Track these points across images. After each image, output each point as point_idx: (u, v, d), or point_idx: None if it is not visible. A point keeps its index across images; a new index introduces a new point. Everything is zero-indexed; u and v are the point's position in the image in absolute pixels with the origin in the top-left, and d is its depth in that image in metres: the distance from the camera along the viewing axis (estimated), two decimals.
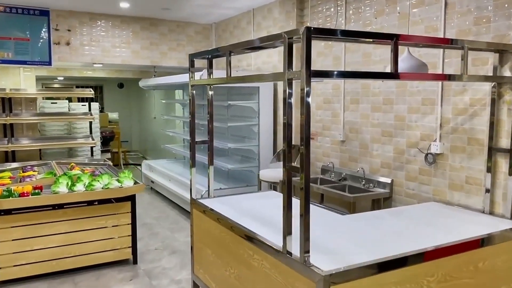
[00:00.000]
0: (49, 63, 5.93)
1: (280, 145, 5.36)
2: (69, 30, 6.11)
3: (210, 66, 3.42)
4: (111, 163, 5.26)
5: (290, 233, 2.16)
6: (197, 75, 5.47)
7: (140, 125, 12.52)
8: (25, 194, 3.56)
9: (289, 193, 2.14)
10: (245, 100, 5.56)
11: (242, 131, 5.74)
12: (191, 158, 3.55)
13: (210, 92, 3.45)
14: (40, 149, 7.23)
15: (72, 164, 4.85)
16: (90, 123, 6.91)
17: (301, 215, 2.01)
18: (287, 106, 2.17)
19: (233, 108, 5.98)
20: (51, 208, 3.69)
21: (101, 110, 11.69)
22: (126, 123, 12.49)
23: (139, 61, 6.69)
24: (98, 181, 3.98)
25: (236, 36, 6.44)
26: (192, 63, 3.39)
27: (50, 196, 3.62)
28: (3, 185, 3.95)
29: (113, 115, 11.35)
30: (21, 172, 4.65)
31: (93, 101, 7.38)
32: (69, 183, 3.86)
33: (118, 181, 4.02)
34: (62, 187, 3.71)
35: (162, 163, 7.49)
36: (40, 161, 5.51)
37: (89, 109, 6.99)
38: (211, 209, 3.13)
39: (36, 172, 4.53)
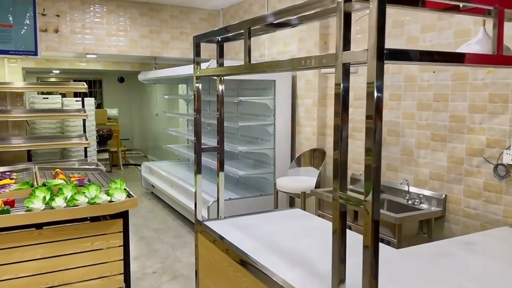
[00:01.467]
0: (35, 53, 5.25)
1: (299, 148, 4.63)
2: (58, 16, 5.41)
3: (221, 52, 2.71)
4: (104, 168, 4.58)
5: (343, 280, 1.47)
6: (203, 66, 4.76)
7: (141, 122, 11.85)
8: None
9: (343, 242, 1.42)
10: (259, 95, 4.85)
11: (255, 132, 5.03)
12: (195, 167, 2.84)
13: (221, 87, 2.74)
14: (29, 150, 6.58)
15: (57, 170, 4.16)
16: (84, 120, 6.23)
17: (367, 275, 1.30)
18: (341, 102, 1.44)
19: (244, 105, 5.27)
20: (23, 228, 2.99)
21: (99, 106, 11.03)
22: (127, 120, 11.82)
23: (137, 51, 5.99)
24: (84, 193, 3.29)
25: None
26: (197, 48, 2.68)
27: (21, 215, 2.93)
28: None
29: (113, 112, 10.68)
30: None
31: (87, 96, 6.70)
32: (47, 197, 3.17)
33: (108, 193, 3.33)
34: (37, 203, 3.02)
35: (164, 166, 6.81)
36: (22, 164, 4.82)
37: (83, 105, 6.30)
38: (222, 238, 2.43)
39: (13, 181, 3.85)
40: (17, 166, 4.65)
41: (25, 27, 5.14)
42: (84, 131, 6.28)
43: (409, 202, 3.32)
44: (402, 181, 3.34)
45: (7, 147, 5.51)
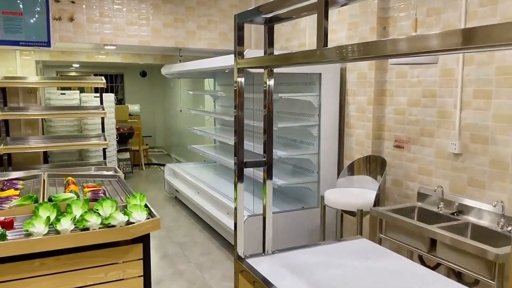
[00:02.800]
0: (48, 44, 4.72)
1: (349, 154, 3.95)
2: (73, 2, 4.87)
3: (270, 36, 2.08)
4: (122, 175, 4.01)
5: None
6: (228, 59, 4.13)
7: (164, 118, 11.35)
8: None
9: None
10: (301, 92, 4.18)
11: (295, 134, 4.38)
12: (237, 187, 2.22)
13: (269, 82, 2.10)
14: (45, 152, 6.13)
15: (68, 178, 3.62)
16: (102, 119, 5.70)
17: None
18: None
19: (283, 103, 4.61)
20: (23, 258, 2.44)
21: (121, 101, 10.58)
22: (149, 116, 11.35)
23: (160, 42, 5.41)
24: (97, 211, 2.73)
25: None
26: (240, 32, 2.05)
27: (18, 243, 2.38)
28: None
29: (134, 108, 10.21)
30: (0, 189, 3.45)
31: (106, 92, 6.19)
32: (52, 217, 2.61)
33: (125, 212, 2.74)
34: (38, 225, 2.46)
35: (189, 168, 6.23)
36: (34, 169, 4.32)
37: (101, 102, 5.77)
38: (270, 285, 1.80)
39: (18, 192, 3.32)
40: (30, 171, 4.15)
41: (37, 15, 4.61)
42: (103, 130, 5.76)
43: (503, 228, 2.60)
44: (495, 203, 2.62)
45: (19, 149, 5.03)
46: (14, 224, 2.63)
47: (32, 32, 4.66)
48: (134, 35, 5.27)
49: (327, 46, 1.44)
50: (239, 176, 2.16)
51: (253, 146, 4.03)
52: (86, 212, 2.66)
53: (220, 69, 4.68)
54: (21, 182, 3.64)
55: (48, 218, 2.56)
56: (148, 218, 2.80)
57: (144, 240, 2.76)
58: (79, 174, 3.98)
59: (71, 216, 2.58)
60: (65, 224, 2.52)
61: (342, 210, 3.39)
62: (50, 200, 2.94)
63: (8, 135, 5.34)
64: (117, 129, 7.35)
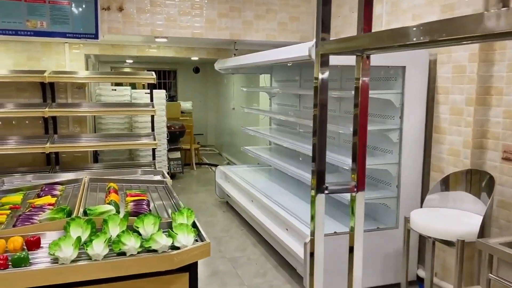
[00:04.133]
0: (95, 36, 4.40)
1: (439, 165, 3.24)
2: None
3: (368, 9, 1.47)
4: (170, 181, 3.56)
5: None
6: (297, 49, 3.55)
7: (216, 116, 11.01)
8: (0, 260, 1.93)
9: None
10: (378, 89, 3.52)
11: (369, 139, 3.70)
12: (314, 215, 1.65)
13: (363, 76, 1.50)
14: (95, 151, 5.89)
15: (111, 185, 3.22)
16: (152, 117, 5.34)
17: None
18: None
19: (350, 101, 3.95)
20: None
21: (173, 98, 10.35)
22: (201, 113, 11.06)
23: (215, 34, 4.94)
24: (137, 229, 2.29)
25: None
26: (325, 5, 1.46)
27: (39, 271, 1.97)
28: None
29: (186, 105, 9.92)
30: (37, 195, 3.12)
31: (156, 88, 5.84)
32: (83, 237, 2.19)
33: (170, 233, 2.27)
34: (66, 249, 2.04)
35: (241, 172, 5.74)
36: (76, 171, 4.00)
37: (151, 99, 5.41)
38: None
39: (55, 199, 2.96)
40: (75, 172, 3.83)
41: (84, 5, 4.30)
42: (153, 129, 5.39)
43: None
44: None
45: (67, 147, 4.77)
46: (42, 243, 2.23)
47: (79, 23, 4.35)
48: (187, 27, 4.84)
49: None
50: (318, 203, 1.58)
51: (325, 155, 3.42)
52: (123, 232, 2.21)
53: (281, 63, 4.11)
54: (60, 187, 3.30)
55: (79, 238, 2.13)
56: (196, 241, 2.31)
57: (191, 269, 2.26)
58: (124, 179, 3.59)
59: (106, 238, 2.14)
60: (98, 248, 2.08)
61: (436, 239, 2.70)
62: (85, 213, 2.54)
63: (56, 133, 5.11)
64: (168, 128, 7.03)
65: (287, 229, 3.67)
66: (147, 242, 2.19)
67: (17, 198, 3.03)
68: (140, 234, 2.32)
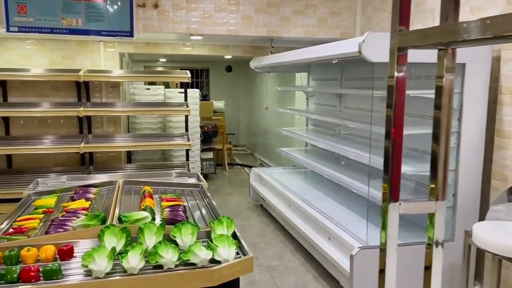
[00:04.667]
0: (131, 34, 4.30)
1: (502, 173, 2.93)
2: None
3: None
4: (206, 184, 3.40)
5: None
6: (345, 45, 3.30)
7: (249, 116, 10.84)
8: (31, 272, 1.81)
9: None
10: (431, 88, 3.21)
11: (419, 142, 3.43)
12: (383, 227, 1.42)
13: (448, 75, 1.25)
14: (128, 151, 5.84)
15: (145, 188, 3.09)
16: (186, 117, 5.22)
17: None
18: None
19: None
20: None
21: (205, 98, 10.26)
22: (233, 113, 10.93)
23: (251, 31, 4.76)
24: (174, 239, 2.13)
25: None
26: None
27: (70, 286, 1.81)
28: (23, 230, 2.33)
29: (219, 104, 9.80)
30: (71, 198, 3.03)
31: (190, 87, 5.72)
32: (118, 247, 2.05)
33: (209, 245, 2.09)
34: (100, 261, 1.90)
35: (276, 174, 5.54)
36: (110, 173, 3.91)
37: (185, 99, 5.29)
38: None
39: (89, 203, 2.85)
40: (108, 173, 3.74)
41: (119, 2, 4.20)
42: (186, 129, 5.27)
43: None
44: None
45: (101, 147, 4.70)
46: (75, 251, 2.10)
47: (115, 20, 4.26)
48: (223, 23, 4.68)
49: None
50: (391, 214, 1.35)
51: (369, 158, 3.18)
52: (160, 243, 2.05)
53: (322, 61, 3.88)
54: (94, 190, 3.19)
55: (114, 249, 1.99)
56: (238, 254, 2.13)
57: (232, 285, 2.07)
58: (158, 182, 3.45)
59: (141, 249, 1.98)
60: (133, 260, 1.92)
61: (501, 256, 2.41)
62: (120, 220, 2.40)
63: (90, 132, 5.07)
64: (201, 127, 6.91)
65: (329, 238, 3.43)
66: (185, 254, 2.02)
67: (50, 201, 2.94)
68: (177, 244, 2.17)
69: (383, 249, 1.43)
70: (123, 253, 1.98)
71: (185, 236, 2.20)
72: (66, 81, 4.91)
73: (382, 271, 1.45)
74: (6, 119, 4.86)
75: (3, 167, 4.90)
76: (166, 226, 2.28)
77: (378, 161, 3.11)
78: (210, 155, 7.57)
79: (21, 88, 4.90)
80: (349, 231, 3.26)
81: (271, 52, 5.37)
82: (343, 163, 4.43)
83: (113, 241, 2.11)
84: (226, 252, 2.05)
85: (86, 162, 5.05)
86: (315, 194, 4.59)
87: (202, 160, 7.13)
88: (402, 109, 1.28)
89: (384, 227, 1.40)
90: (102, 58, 5.13)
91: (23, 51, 4.91)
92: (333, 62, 3.46)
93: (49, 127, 5.06)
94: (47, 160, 5.04)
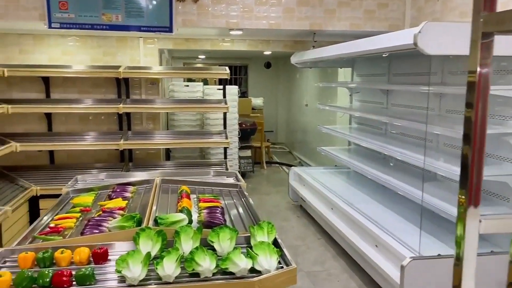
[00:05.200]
0: (170, 29, 4.23)
1: None
2: None
3: None
4: (244, 184, 3.27)
5: None
6: (391, 38, 3.06)
7: (287, 113, 10.65)
8: (63, 277, 1.73)
9: None
10: (493, 84, 2.91)
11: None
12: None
13: None
14: (167, 148, 5.82)
15: (183, 188, 3.00)
16: (224, 114, 5.11)
17: None
18: None
19: (454, 98, 3.39)
20: None
21: (243, 94, 10.15)
22: (272, 110, 10.77)
23: (293, 24, 4.57)
24: (212, 244, 2.01)
25: None
26: None
27: None
28: (59, 230, 2.28)
29: (257, 101, 9.66)
30: (108, 196, 2.98)
31: (229, 84, 5.60)
32: (154, 251, 1.95)
33: (249, 253, 1.95)
34: (134, 268, 1.81)
35: (317, 174, 5.33)
36: (148, 170, 3.85)
37: (224, 95, 5.19)
38: None
39: (126, 203, 2.79)
40: (134, 173, 3.68)
41: None
42: (225, 126, 5.16)
43: None
44: None
45: (140, 145, 4.68)
46: (110, 253, 2.02)
47: (154, 16, 4.20)
48: (263, 17, 4.52)
49: None
50: (470, 229, 1.14)
51: (424, 160, 2.92)
52: (197, 249, 1.92)
53: (369, 55, 3.63)
54: (131, 188, 3.13)
55: (148, 255, 1.88)
56: (279, 263, 1.97)
57: None
58: (196, 181, 3.35)
59: (177, 255, 1.86)
60: (169, 267, 1.81)
61: None
62: (156, 222, 2.30)
63: (130, 129, 5.07)
64: (240, 125, 6.80)
65: (376, 246, 3.21)
66: (223, 262, 1.89)
67: (88, 199, 2.90)
68: (214, 250, 2.05)
69: (458, 262, 1.22)
70: (159, 258, 1.87)
71: (223, 241, 2.07)
72: (106, 78, 4.92)
73: None
74: (48, 115, 4.94)
75: (46, 163, 4.98)
76: (203, 229, 2.16)
77: (434, 164, 2.85)
78: (248, 153, 7.45)
79: (63, 85, 4.96)
80: (399, 239, 3.02)
81: (313, 46, 5.16)
82: (391, 164, 4.17)
83: (149, 244, 2.01)
84: (267, 261, 1.90)
85: (126, 159, 5.05)
86: (359, 196, 4.35)
87: (240, 158, 7.03)
88: (486, 109, 1.07)
89: (460, 236, 1.19)
90: (141, 55, 5.10)
91: (66, 48, 4.97)
92: (384, 55, 3.22)
93: (90, 123, 5.10)
94: (88, 156, 5.08)
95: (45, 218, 2.63)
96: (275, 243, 2.11)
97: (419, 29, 2.52)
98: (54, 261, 1.93)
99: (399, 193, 3.47)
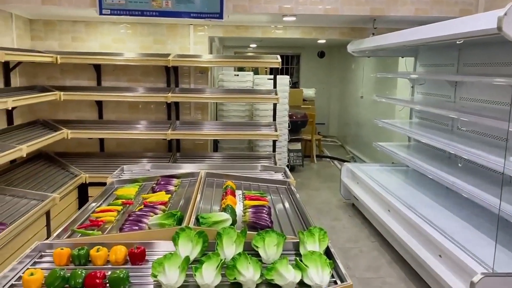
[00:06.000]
0: (220, 16, 4.07)
1: None
2: None
3: None
4: (293, 181, 3.05)
5: None
6: (467, 22, 2.69)
7: (340, 105, 10.26)
8: (96, 279, 1.62)
9: None
10: None
11: None
12: None
13: None
14: (215, 139, 5.72)
15: (228, 183, 2.84)
16: (274, 105, 4.90)
17: None
18: None
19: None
20: None
21: (294, 85, 9.86)
22: (323, 101, 10.41)
23: (351, 10, 4.26)
24: (256, 249, 1.83)
25: None
26: None
27: None
28: (99, 224, 2.19)
29: (309, 92, 9.37)
30: (152, 188, 2.89)
31: (280, 74, 5.39)
32: (193, 255, 1.81)
33: (297, 263, 1.74)
34: (171, 274, 1.68)
35: (372, 171, 5.01)
36: (189, 163, 3.73)
37: (274, 85, 4.98)
38: None
39: (168, 197, 2.68)
40: (182, 165, 3.57)
41: None
42: (274, 118, 4.96)
43: None
44: None
45: (188, 135, 4.60)
46: (147, 253, 1.89)
47: (204, 1, 4.05)
48: (319, 2, 4.24)
49: None
50: None
51: (504, 163, 2.56)
52: (240, 255, 1.74)
53: (437, 43, 3.26)
54: (175, 181, 3.02)
55: (187, 259, 1.73)
56: (332, 277, 1.74)
57: None
58: (242, 176, 3.18)
59: (218, 262, 1.69)
60: (208, 276, 1.65)
61: None
62: (197, 220, 2.15)
63: (178, 119, 5.00)
64: (290, 116, 6.57)
65: (440, 256, 2.88)
66: (268, 272, 1.70)
67: (131, 190, 2.82)
68: (259, 256, 1.86)
69: None
70: (198, 263, 1.71)
71: (269, 247, 1.88)
72: (156, 66, 4.87)
73: None
74: (99, 103, 4.98)
75: (96, 150, 5.04)
76: (248, 232, 1.97)
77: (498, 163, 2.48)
78: (297, 146, 7.21)
79: (114, 73, 4.97)
80: (468, 250, 2.69)
81: (373, 34, 4.80)
82: (460, 165, 3.77)
83: (188, 246, 1.86)
84: (319, 275, 1.68)
85: (173, 149, 5.00)
86: (419, 198, 3.99)
87: (289, 151, 6.80)
88: None
89: None
90: (191, 43, 5.00)
91: (117, 36, 4.96)
92: (458, 42, 2.85)
93: (140, 112, 5.10)
94: (137, 145, 5.09)
95: (90, 206, 2.58)
96: (327, 252, 1.89)
97: (504, 11, 2.16)
98: (89, 259, 1.84)
99: (466, 197, 3.10)
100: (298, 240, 1.99)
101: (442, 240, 2.90)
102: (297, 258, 1.78)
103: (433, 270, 2.88)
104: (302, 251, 1.89)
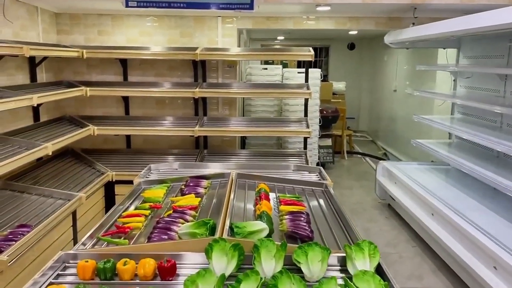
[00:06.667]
0: (250, 6, 3.87)
1: None
2: None
3: None
4: (331, 183, 2.84)
5: None
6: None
7: (371, 98, 9.92)
8: None
9: None
10: None
11: None
12: None
13: None
14: (243, 136, 5.55)
15: (261, 186, 2.67)
16: (306, 100, 4.68)
17: None
18: None
19: None
20: None
21: (324, 78, 9.57)
22: (354, 95, 10.08)
23: None
24: (298, 264, 1.66)
25: None
26: None
27: None
28: (126, 230, 2.06)
29: (339, 85, 9.07)
30: (181, 190, 2.74)
31: (312, 67, 5.16)
32: (228, 271, 1.63)
33: (347, 285, 1.54)
34: None
35: (411, 170, 4.73)
36: (218, 162, 3.56)
37: (306, 80, 4.75)
38: None
39: (198, 201, 2.52)
40: (211, 165, 3.40)
41: None
42: (305, 113, 4.74)
43: None
44: None
45: (216, 132, 4.44)
46: (178, 267, 1.73)
47: None
48: None
49: None
50: None
51: None
52: (282, 273, 1.56)
53: (486, 32, 2.96)
54: (205, 183, 2.85)
55: (223, 277, 1.55)
56: None
57: None
58: (275, 177, 2.98)
59: (257, 282, 1.51)
60: None
61: None
62: (231, 229, 1.98)
63: (206, 115, 4.84)
64: (320, 111, 6.32)
65: (495, 268, 2.62)
66: None
67: (159, 193, 2.68)
68: (300, 271, 1.67)
69: None
70: (234, 281, 1.54)
71: (313, 263, 1.69)
72: (183, 60, 4.72)
73: None
74: (126, 98, 4.88)
75: (123, 147, 4.95)
76: (288, 245, 1.79)
77: None
78: (328, 142, 6.96)
79: (140, 67, 4.85)
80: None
81: (413, 23, 4.50)
82: None
83: (223, 261, 1.69)
84: None
85: (200, 146, 4.85)
86: (465, 200, 3.71)
87: (319, 147, 6.57)
88: None
89: None
90: (219, 35, 4.82)
91: (143, 29, 4.83)
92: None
93: (167, 107, 4.97)
94: (163, 141, 4.97)
95: (117, 210, 2.44)
96: (379, 271, 1.68)
97: None
98: (116, 272, 1.69)
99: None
100: (343, 254, 1.79)
101: (497, 250, 2.64)
102: (347, 279, 1.58)
103: (488, 284, 2.63)
104: (350, 268, 1.69)
